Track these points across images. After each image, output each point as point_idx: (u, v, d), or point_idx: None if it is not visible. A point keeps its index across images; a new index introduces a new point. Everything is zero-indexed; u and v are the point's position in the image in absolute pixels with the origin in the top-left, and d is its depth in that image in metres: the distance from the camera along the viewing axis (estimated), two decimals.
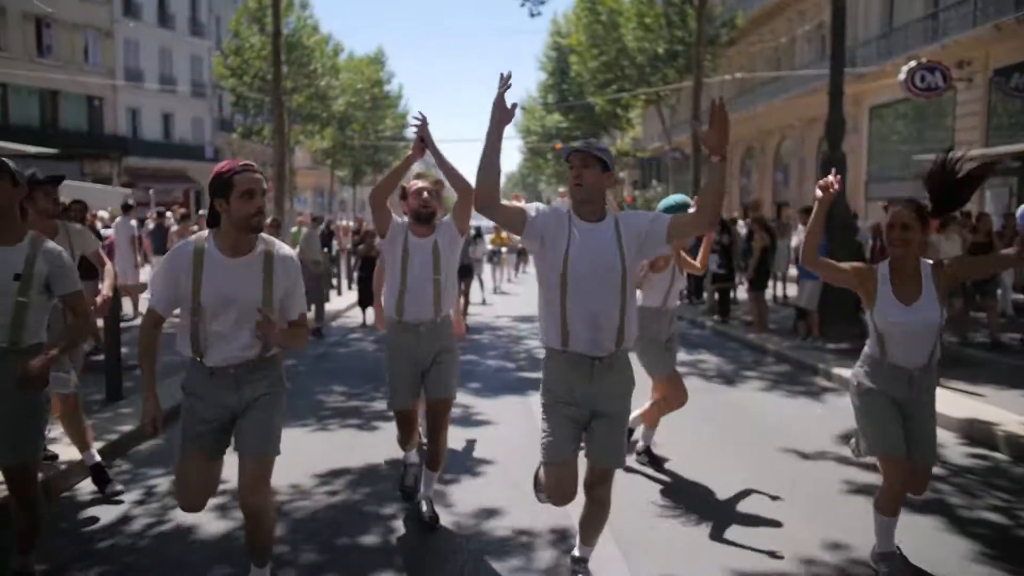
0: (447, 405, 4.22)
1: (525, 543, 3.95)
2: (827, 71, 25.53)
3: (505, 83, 2.92)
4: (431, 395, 4.18)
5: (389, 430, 5.91)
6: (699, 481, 4.94)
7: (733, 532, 4.10)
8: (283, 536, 4.00)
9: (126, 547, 3.91)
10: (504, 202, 3.02)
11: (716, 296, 12.26)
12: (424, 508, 4.15)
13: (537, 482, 3.50)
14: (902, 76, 18.45)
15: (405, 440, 4.37)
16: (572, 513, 3.72)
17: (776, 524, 4.22)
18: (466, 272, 11.60)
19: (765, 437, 6.02)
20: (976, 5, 18.22)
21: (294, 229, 13.32)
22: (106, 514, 4.34)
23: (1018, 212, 10.46)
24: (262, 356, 3.08)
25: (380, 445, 5.73)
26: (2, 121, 29.50)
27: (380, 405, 6.98)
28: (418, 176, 4.29)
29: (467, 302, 12.77)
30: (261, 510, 3.00)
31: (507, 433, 6.18)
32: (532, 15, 19.67)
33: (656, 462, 5.24)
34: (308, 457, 5.36)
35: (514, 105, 2.93)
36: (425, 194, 4.12)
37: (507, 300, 17.80)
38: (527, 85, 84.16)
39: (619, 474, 3.49)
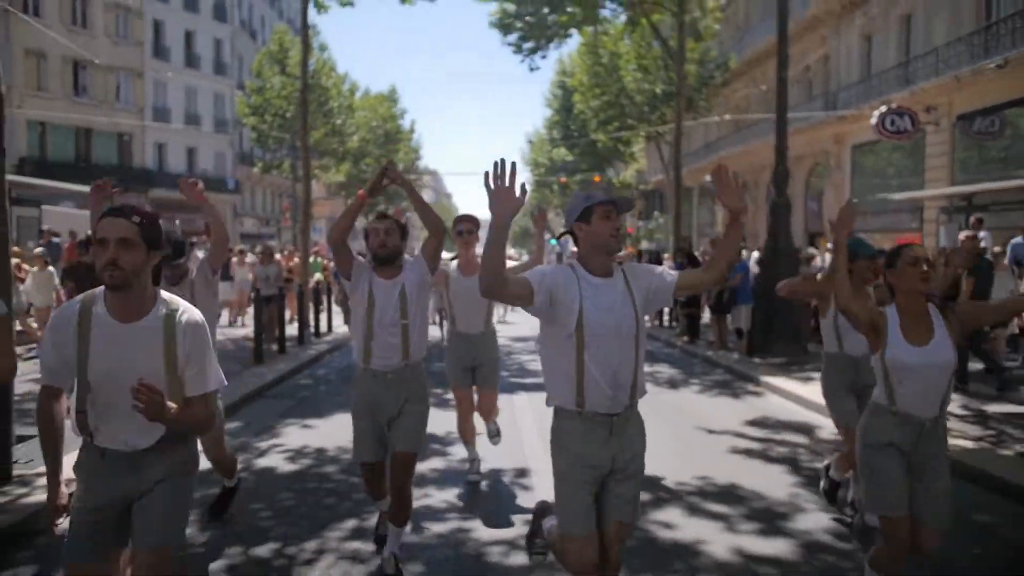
0: (411, 460, 4.01)
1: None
2: (812, 112, 27.08)
3: (510, 172, 2.68)
4: (396, 447, 3.96)
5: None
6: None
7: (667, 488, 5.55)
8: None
9: None
10: (508, 278, 2.81)
11: (685, 321, 13.84)
12: (387, 569, 3.96)
13: (537, 537, 3.38)
14: (874, 120, 20.05)
15: (374, 495, 4.21)
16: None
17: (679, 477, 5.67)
18: None
19: (688, 421, 7.78)
20: (938, 56, 19.80)
21: (312, 259, 14.77)
22: None
23: (1010, 245, 10.88)
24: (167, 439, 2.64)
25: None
26: (40, 156, 31.46)
27: None
28: (378, 217, 4.06)
29: None
30: None
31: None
32: (531, 70, 21.14)
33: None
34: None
35: (524, 192, 2.70)
36: (381, 234, 3.93)
37: (507, 328, 18.06)
38: (535, 121, 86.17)
39: None
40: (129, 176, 35.64)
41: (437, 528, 4.72)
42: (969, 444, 6.31)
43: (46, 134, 32.16)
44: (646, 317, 3.03)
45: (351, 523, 4.79)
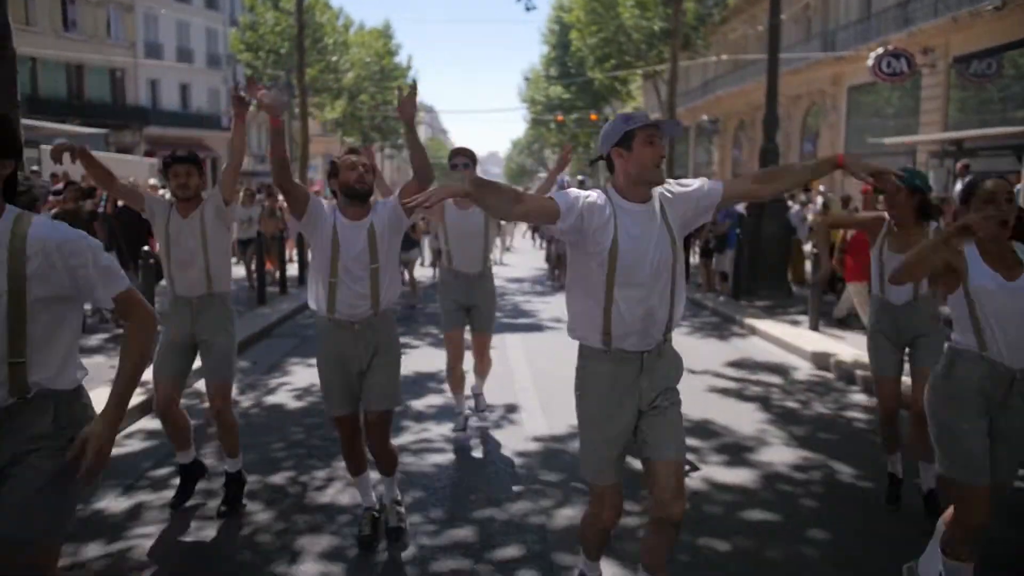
0: (388, 417, 3.78)
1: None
2: (809, 53, 26.89)
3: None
4: (369, 406, 3.71)
5: None
6: None
7: None
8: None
9: None
10: (528, 195, 2.76)
11: None
12: (389, 519, 3.92)
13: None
14: (870, 62, 20.06)
15: (352, 460, 3.90)
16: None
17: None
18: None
19: None
20: None
21: None
22: None
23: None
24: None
25: None
26: (32, 93, 31.21)
27: None
28: (350, 151, 3.71)
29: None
30: None
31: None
32: (528, 9, 20.94)
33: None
34: None
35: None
36: (359, 168, 3.56)
37: (503, 270, 17.86)
38: (532, 58, 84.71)
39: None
40: (124, 114, 35.49)
41: (434, 459, 5.14)
42: None
43: (37, 70, 31.84)
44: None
45: None
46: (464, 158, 5.15)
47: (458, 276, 5.33)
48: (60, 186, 10.78)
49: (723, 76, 34.90)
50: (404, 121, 3.61)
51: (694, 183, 2.84)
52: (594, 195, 2.70)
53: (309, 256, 3.94)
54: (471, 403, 5.92)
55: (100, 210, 10.07)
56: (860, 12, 24.82)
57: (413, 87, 3.62)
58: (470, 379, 5.91)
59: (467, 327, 5.52)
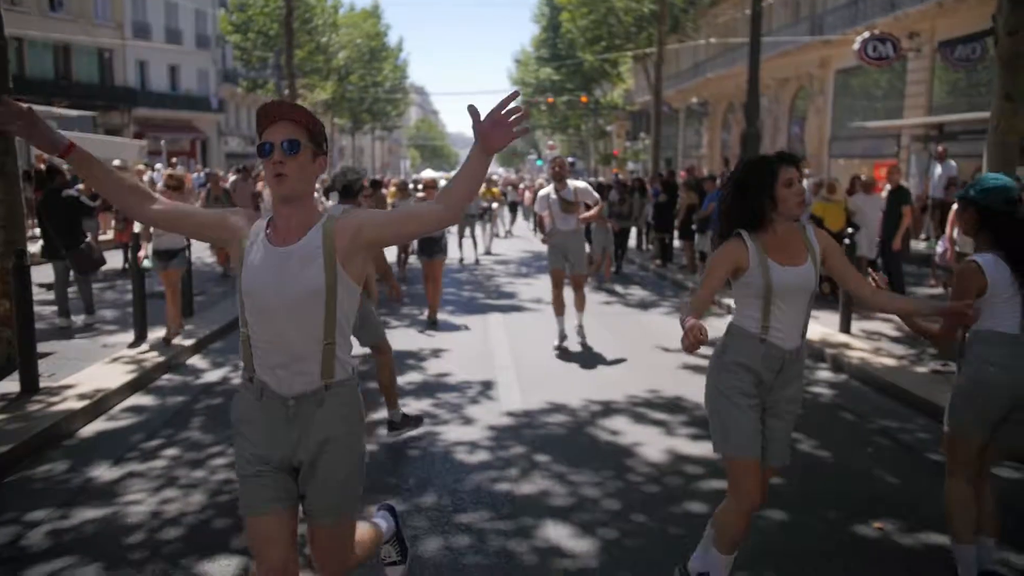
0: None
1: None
2: (796, 37, 26.95)
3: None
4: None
5: None
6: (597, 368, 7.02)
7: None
8: None
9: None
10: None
11: (658, 244, 14.44)
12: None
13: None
14: (856, 46, 20.17)
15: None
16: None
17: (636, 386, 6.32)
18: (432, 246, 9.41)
19: (649, 340, 8.34)
20: None
21: None
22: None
23: (937, 249, 9.41)
24: None
25: None
26: (19, 73, 31.03)
27: None
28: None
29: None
30: None
31: (468, 339, 8.23)
32: None
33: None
34: None
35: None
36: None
37: (489, 258, 17.11)
38: (523, 39, 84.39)
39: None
40: (112, 95, 35.34)
41: (409, 432, 5.34)
42: (891, 362, 6.98)
43: (23, 51, 31.66)
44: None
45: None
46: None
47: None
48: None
49: (713, 59, 34.95)
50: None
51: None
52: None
53: None
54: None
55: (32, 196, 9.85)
56: None
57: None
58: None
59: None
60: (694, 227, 12.54)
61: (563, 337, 7.92)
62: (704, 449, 5.04)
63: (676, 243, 14.47)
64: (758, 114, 12.15)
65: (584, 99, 42.21)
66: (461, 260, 15.62)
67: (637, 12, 29.80)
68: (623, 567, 3.50)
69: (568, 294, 8.14)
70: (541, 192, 8.09)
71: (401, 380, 6.66)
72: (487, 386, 6.52)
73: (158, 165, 20.08)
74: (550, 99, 43.46)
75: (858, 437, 5.34)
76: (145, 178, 16.83)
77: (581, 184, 8.08)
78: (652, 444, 5.12)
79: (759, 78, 12.25)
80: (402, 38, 69.01)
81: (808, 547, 3.72)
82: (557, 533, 3.81)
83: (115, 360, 6.89)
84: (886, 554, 3.66)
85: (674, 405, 6.04)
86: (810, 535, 3.84)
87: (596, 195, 8.08)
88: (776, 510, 4.02)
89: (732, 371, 2.95)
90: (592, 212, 7.98)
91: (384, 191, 13.85)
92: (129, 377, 6.34)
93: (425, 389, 6.43)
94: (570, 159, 17.21)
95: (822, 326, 8.31)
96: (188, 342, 7.67)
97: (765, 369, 2.93)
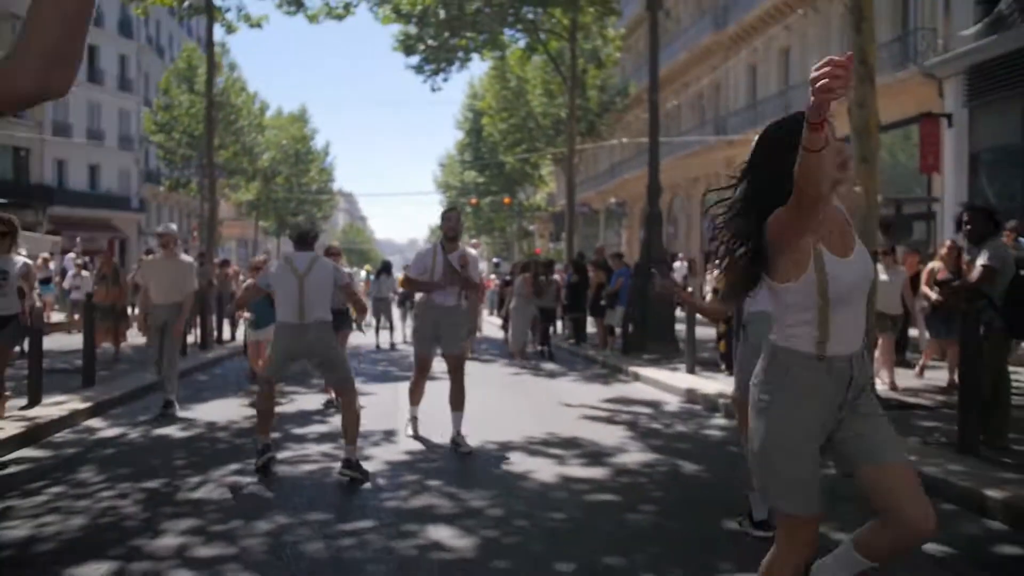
0: None
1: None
2: (703, 137, 28.72)
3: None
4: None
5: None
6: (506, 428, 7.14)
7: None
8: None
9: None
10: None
11: (572, 325, 14.84)
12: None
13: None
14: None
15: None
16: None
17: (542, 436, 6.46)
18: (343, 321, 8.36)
19: (553, 398, 8.59)
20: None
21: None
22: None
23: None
24: None
25: None
26: None
27: None
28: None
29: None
30: None
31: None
32: (433, 90, 22.02)
33: None
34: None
35: None
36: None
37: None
38: (447, 144, 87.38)
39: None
40: (27, 192, 34.72)
41: (308, 468, 5.35)
42: None
43: None
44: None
45: (233, 466, 5.39)
46: None
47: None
48: None
49: (629, 159, 36.86)
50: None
51: None
52: None
53: None
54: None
55: None
56: (747, 100, 26.99)
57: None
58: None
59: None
60: (603, 302, 13.01)
61: (415, 422, 6.57)
62: (593, 473, 5.21)
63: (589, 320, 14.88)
64: (659, 197, 12.90)
65: (508, 201, 43.55)
66: (377, 347, 15.28)
67: (555, 116, 31.45)
68: (502, 558, 3.60)
69: (438, 386, 7.15)
70: (422, 249, 6.79)
71: (305, 430, 6.69)
72: (389, 434, 6.58)
73: (70, 255, 19.75)
74: (474, 201, 44.67)
75: None
76: (51, 266, 16.61)
77: (472, 252, 6.49)
78: (544, 471, 5.27)
79: (658, 167, 13.05)
80: (329, 142, 70.26)
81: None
82: (439, 534, 3.90)
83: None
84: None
85: (569, 443, 6.21)
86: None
87: (481, 272, 7.21)
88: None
89: (788, 411, 2.34)
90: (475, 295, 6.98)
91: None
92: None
93: (329, 437, 6.44)
94: (495, 260, 17.61)
95: (722, 385, 8.68)
96: (85, 405, 7.48)
97: (836, 392, 2.36)
